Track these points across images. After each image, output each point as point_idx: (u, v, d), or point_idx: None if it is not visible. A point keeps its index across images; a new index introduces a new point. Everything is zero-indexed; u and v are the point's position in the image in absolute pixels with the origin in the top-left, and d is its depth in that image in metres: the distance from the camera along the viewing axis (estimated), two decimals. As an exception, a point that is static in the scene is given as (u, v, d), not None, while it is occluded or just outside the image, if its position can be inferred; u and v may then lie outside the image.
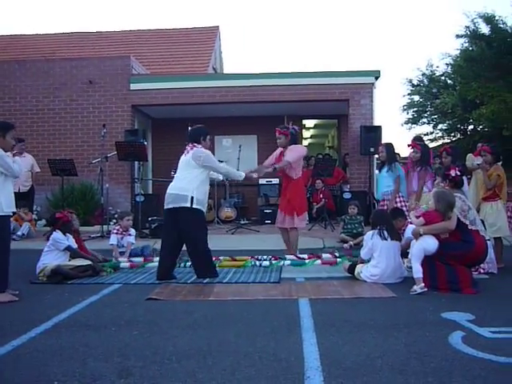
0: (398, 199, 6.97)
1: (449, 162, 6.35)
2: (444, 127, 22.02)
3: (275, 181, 11.63)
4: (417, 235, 5.04)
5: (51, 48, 17.04)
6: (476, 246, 4.90)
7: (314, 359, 3.02)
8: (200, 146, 5.80)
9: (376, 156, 7.39)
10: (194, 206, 5.51)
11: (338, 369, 2.87)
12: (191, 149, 5.77)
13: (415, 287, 4.81)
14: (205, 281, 5.49)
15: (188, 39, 18.10)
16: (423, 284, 4.81)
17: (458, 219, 4.93)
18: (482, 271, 5.71)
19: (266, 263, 6.20)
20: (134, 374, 2.85)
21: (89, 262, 5.87)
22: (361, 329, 3.66)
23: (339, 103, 11.90)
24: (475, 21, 16.58)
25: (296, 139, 6.84)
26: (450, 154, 6.44)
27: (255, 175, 6.42)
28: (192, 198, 5.51)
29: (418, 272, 4.86)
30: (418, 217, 5.14)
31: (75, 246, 5.97)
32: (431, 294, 4.73)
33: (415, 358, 3.03)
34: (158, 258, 5.96)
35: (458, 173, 5.16)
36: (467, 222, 4.92)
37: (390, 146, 7.33)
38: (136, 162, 10.88)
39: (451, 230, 4.98)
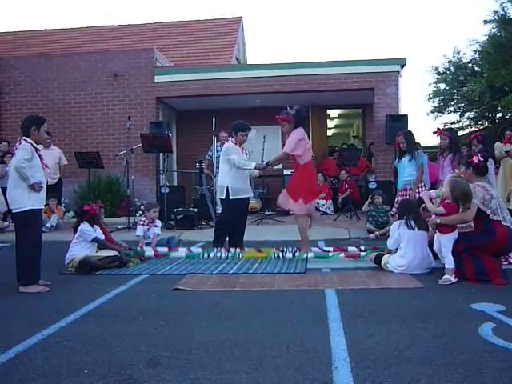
0: (420, 188, 6.84)
1: (480, 149, 6.23)
2: (471, 115, 21.58)
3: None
4: (434, 225, 5.00)
5: (76, 42, 17.22)
6: (496, 236, 4.76)
7: (342, 350, 3.01)
8: (232, 139, 6.52)
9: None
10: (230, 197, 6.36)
11: (365, 359, 2.85)
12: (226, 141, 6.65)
13: (448, 276, 4.75)
14: (230, 271, 5.52)
15: (211, 30, 18.08)
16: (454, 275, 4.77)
17: (479, 209, 4.81)
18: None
19: (289, 255, 6.17)
20: (161, 363, 2.87)
21: (116, 253, 5.94)
22: (388, 320, 3.62)
23: (364, 92, 11.76)
24: (504, 5, 16.18)
25: (300, 119, 6.22)
26: (481, 142, 6.31)
27: (262, 167, 6.48)
28: (227, 188, 6.37)
29: (451, 262, 4.79)
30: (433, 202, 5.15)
31: (102, 237, 6.05)
32: (460, 285, 4.66)
33: (444, 350, 2.99)
34: (182, 249, 6.60)
35: (481, 159, 4.99)
36: (489, 212, 4.79)
37: (409, 134, 7.19)
38: (161, 154, 10.94)
39: (468, 221, 4.91)
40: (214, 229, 6.82)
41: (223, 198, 6.47)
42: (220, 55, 16.55)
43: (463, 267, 4.83)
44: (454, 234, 4.91)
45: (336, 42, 58.25)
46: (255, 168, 6.42)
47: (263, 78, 11.74)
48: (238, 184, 6.45)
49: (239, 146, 6.55)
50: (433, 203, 5.24)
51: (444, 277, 4.79)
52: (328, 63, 11.82)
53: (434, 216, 5.02)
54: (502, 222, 4.81)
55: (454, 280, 4.73)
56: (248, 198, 6.76)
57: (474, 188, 4.90)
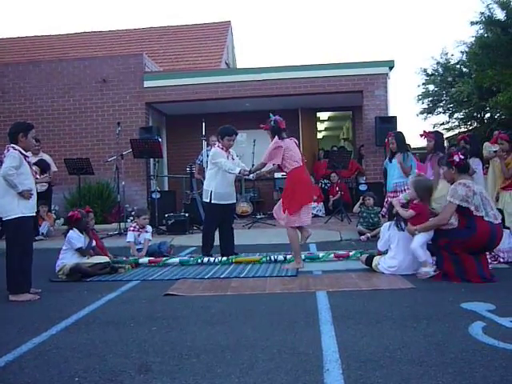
0: (406, 191, 6.88)
1: (467, 150, 6.28)
2: (460, 116, 21.75)
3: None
4: (413, 234, 5.10)
5: (65, 48, 17.17)
6: (478, 232, 4.79)
7: (333, 352, 3.01)
8: (219, 144, 6.54)
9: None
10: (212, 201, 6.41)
11: (356, 361, 2.86)
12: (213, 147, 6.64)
13: (425, 269, 4.92)
14: (222, 275, 5.52)
15: (200, 35, 18.09)
16: (435, 267, 4.91)
17: (462, 206, 4.86)
18: (501, 260, 5.65)
19: (281, 258, 6.18)
20: (153, 369, 2.87)
21: (107, 260, 5.93)
22: (379, 321, 3.64)
23: (353, 95, 11.81)
24: (490, 6, 16.33)
25: (276, 131, 6.02)
26: (469, 143, 6.35)
27: (246, 173, 6.49)
28: (211, 192, 6.40)
29: (423, 255, 4.96)
30: (403, 205, 5.28)
31: (93, 242, 6.01)
32: (450, 285, 4.69)
33: (435, 350, 3.01)
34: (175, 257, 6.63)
35: (462, 157, 5.03)
36: (472, 208, 4.83)
37: (399, 135, 7.24)
38: (151, 159, 10.92)
39: (444, 224, 4.96)
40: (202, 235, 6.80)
41: (207, 201, 6.53)
42: (209, 60, 16.56)
43: (443, 265, 4.93)
44: (431, 232, 5.02)
45: (325, 44, 58.53)
46: (240, 173, 6.48)
47: (253, 81, 11.76)
48: (222, 189, 6.47)
49: (226, 150, 6.54)
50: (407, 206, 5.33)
51: (421, 270, 4.96)
52: (317, 66, 11.86)
53: (409, 224, 5.13)
54: (485, 218, 4.83)
55: (432, 273, 4.89)
56: (232, 204, 6.77)
57: (455, 187, 4.94)
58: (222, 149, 6.51)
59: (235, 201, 6.92)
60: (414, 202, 5.21)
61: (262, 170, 6.42)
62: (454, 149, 8.06)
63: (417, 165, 7.08)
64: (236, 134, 6.59)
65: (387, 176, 7.53)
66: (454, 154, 5.11)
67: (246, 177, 6.93)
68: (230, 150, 6.62)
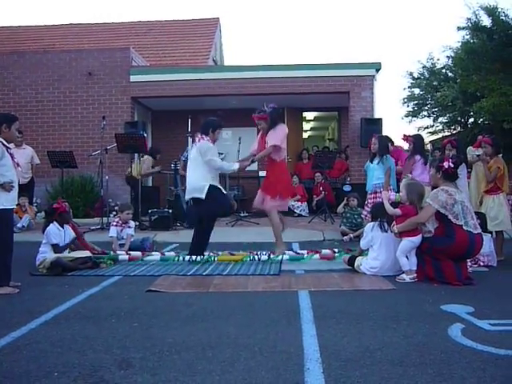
0: (388, 192, 6.96)
1: (454, 154, 6.34)
2: (444, 120, 21.95)
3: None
4: (395, 234, 5.17)
5: (50, 40, 16.97)
6: (456, 241, 4.83)
7: (314, 351, 3.03)
8: (207, 138, 6.12)
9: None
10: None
11: (337, 360, 2.88)
12: (198, 141, 6.14)
13: (404, 275, 5.01)
14: (204, 273, 5.50)
15: (188, 31, 18.02)
16: (415, 275, 4.98)
17: (442, 213, 4.91)
18: (481, 264, 5.73)
19: (265, 257, 6.17)
20: (133, 365, 2.85)
21: (88, 254, 5.87)
22: (360, 321, 3.66)
23: (340, 95, 11.86)
24: (477, 12, 16.49)
25: (276, 118, 6.27)
26: (455, 147, 6.41)
27: (247, 162, 6.44)
28: (210, 186, 6.01)
29: (405, 265, 5.03)
30: (392, 203, 5.35)
31: (73, 235, 5.94)
32: (430, 287, 4.74)
33: (414, 350, 3.04)
34: (156, 252, 6.49)
35: (452, 165, 5.05)
36: (450, 216, 4.87)
37: (383, 139, 7.36)
38: (136, 154, 10.85)
39: (422, 223, 5.06)
40: (192, 239, 6.29)
41: (202, 197, 5.99)
42: (197, 56, 16.50)
43: (425, 268, 4.99)
44: (415, 238, 5.04)
45: (312, 45, 58.69)
46: (240, 167, 6.37)
47: (239, 79, 11.75)
48: (217, 182, 6.25)
49: (213, 143, 6.24)
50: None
51: (400, 275, 5.06)
52: (304, 66, 11.88)
53: (393, 225, 5.18)
54: (464, 227, 4.87)
55: (408, 280, 4.96)
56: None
57: (437, 192, 5.00)
58: (211, 142, 6.19)
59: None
60: (405, 204, 5.23)
61: (257, 156, 6.40)
62: (438, 152, 8.16)
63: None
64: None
65: (367, 177, 7.61)
66: (446, 159, 5.15)
67: (248, 167, 6.64)
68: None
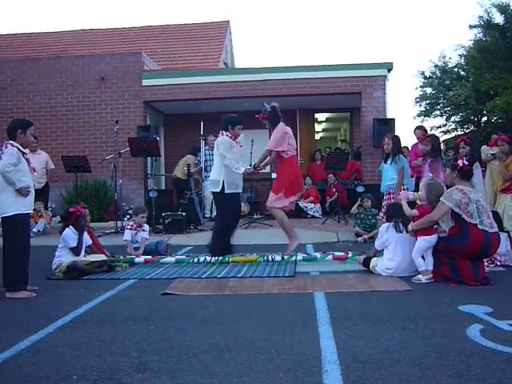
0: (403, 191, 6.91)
1: (467, 152, 6.29)
2: (457, 119, 21.78)
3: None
4: (410, 232, 5.14)
5: (63, 46, 17.13)
6: (471, 241, 4.79)
7: (331, 353, 3.01)
8: (227, 133, 6.29)
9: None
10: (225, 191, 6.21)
11: (355, 362, 2.86)
12: (218, 137, 6.36)
13: (420, 276, 4.98)
14: (219, 275, 5.51)
15: (199, 34, 18.09)
16: (431, 275, 4.94)
17: (456, 213, 4.87)
18: (498, 264, 5.66)
19: (278, 258, 6.17)
20: (151, 368, 2.86)
21: (104, 258, 5.91)
22: (377, 322, 3.64)
23: (351, 96, 11.82)
24: (489, 10, 16.36)
25: (275, 117, 6.32)
26: (469, 144, 6.36)
27: (251, 171, 6.54)
28: (223, 182, 6.20)
29: (421, 265, 5.00)
30: (410, 203, 5.29)
31: (90, 241, 6.00)
32: (447, 287, 4.70)
33: (433, 352, 3.01)
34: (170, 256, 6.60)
35: (466, 163, 5.02)
36: (464, 216, 4.83)
37: (396, 138, 7.30)
38: (149, 158, 10.90)
39: (435, 221, 5.03)
40: (211, 237, 6.52)
41: (217, 191, 6.28)
42: (207, 59, 16.55)
43: (442, 268, 4.96)
44: (430, 238, 5.00)
45: (323, 46, 58.59)
46: (244, 173, 6.40)
47: (251, 81, 11.76)
48: (233, 178, 6.30)
49: (234, 139, 6.39)
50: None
51: (416, 276, 5.04)
52: (315, 67, 11.86)
53: (409, 225, 5.16)
54: (479, 226, 4.82)
55: (424, 281, 4.92)
56: (239, 194, 6.61)
57: (451, 191, 4.96)
58: (231, 138, 6.34)
59: (241, 191, 6.68)
60: (423, 204, 5.19)
61: (265, 161, 6.51)
62: (451, 151, 8.10)
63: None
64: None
65: (381, 178, 7.58)
66: (459, 157, 5.11)
67: (250, 175, 6.79)
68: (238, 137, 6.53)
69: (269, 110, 6.29)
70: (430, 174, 6.41)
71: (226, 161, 6.21)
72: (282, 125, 6.23)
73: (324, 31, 61.66)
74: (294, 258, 6.12)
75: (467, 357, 2.92)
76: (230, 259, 6.17)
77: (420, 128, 8.79)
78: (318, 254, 6.32)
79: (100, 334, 3.50)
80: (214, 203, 6.60)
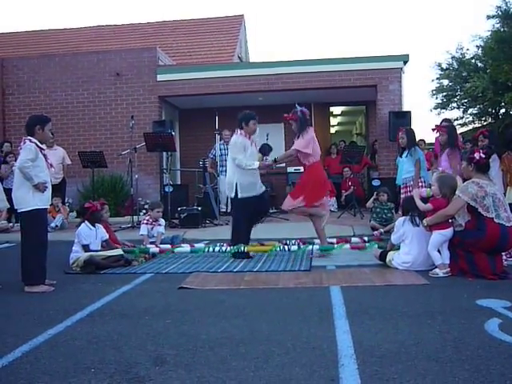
0: (419, 184, 6.84)
1: (485, 145, 6.20)
2: (474, 111, 21.46)
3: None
4: (425, 226, 5.11)
5: (78, 42, 17.24)
6: (487, 234, 4.74)
7: (348, 347, 3.00)
8: (242, 131, 6.22)
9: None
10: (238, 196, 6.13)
11: (372, 356, 2.85)
12: (233, 136, 6.32)
13: (437, 270, 4.94)
14: (235, 269, 5.52)
15: (213, 29, 18.07)
16: (449, 269, 4.91)
17: (473, 206, 4.82)
18: (516, 257, 5.59)
19: (295, 247, 6.16)
20: (168, 361, 2.88)
21: (121, 252, 5.95)
22: (394, 316, 3.62)
23: (367, 89, 11.73)
24: (507, 0, 16.11)
25: (304, 122, 6.31)
26: (488, 137, 6.27)
27: (268, 163, 6.47)
28: (236, 185, 6.12)
29: (438, 259, 4.97)
30: (423, 199, 5.26)
31: (106, 235, 6.05)
32: (465, 281, 4.66)
33: (451, 346, 2.99)
34: (186, 244, 6.70)
35: (483, 155, 4.94)
36: (480, 209, 4.78)
37: (410, 131, 7.21)
38: (164, 153, 10.94)
39: (451, 216, 4.99)
40: (231, 230, 6.49)
41: (232, 196, 6.22)
42: (222, 53, 16.54)
43: (459, 262, 4.92)
44: (446, 232, 4.97)
45: (338, 38, 58.20)
46: (259, 167, 6.27)
47: (265, 75, 11.72)
48: (247, 180, 6.14)
49: (249, 137, 6.28)
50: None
51: (434, 270, 5.00)
52: (330, 60, 11.78)
53: (424, 219, 5.12)
54: (495, 220, 4.77)
55: (441, 275, 4.89)
56: (259, 196, 6.32)
57: (467, 184, 4.91)
58: (246, 136, 6.23)
59: (263, 189, 6.52)
60: (436, 197, 5.15)
61: (287, 159, 6.61)
62: (469, 144, 8.00)
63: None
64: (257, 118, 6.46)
65: (397, 171, 7.51)
66: (476, 150, 5.04)
67: (266, 168, 6.68)
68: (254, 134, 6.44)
69: (299, 113, 6.26)
70: (440, 169, 6.34)
71: (237, 161, 6.13)
72: (311, 130, 6.30)
73: (339, 24, 61.26)
74: (310, 246, 6.12)
75: (485, 351, 2.89)
76: (246, 248, 6.15)
77: (446, 120, 8.58)
78: (334, 243, 6.33)
79: (117, 328, 3.54)
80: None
